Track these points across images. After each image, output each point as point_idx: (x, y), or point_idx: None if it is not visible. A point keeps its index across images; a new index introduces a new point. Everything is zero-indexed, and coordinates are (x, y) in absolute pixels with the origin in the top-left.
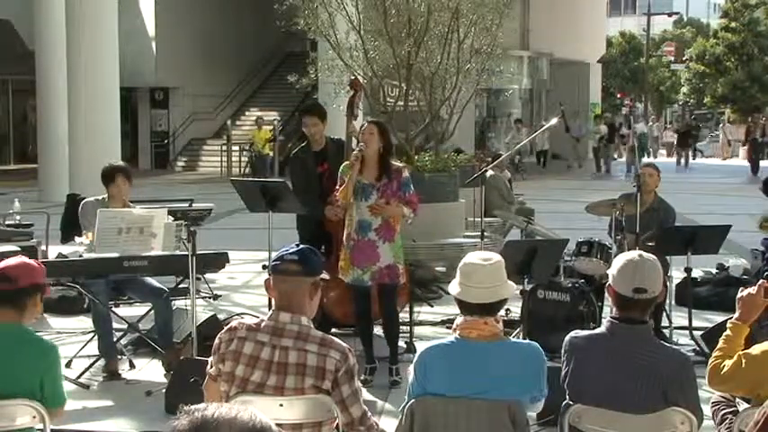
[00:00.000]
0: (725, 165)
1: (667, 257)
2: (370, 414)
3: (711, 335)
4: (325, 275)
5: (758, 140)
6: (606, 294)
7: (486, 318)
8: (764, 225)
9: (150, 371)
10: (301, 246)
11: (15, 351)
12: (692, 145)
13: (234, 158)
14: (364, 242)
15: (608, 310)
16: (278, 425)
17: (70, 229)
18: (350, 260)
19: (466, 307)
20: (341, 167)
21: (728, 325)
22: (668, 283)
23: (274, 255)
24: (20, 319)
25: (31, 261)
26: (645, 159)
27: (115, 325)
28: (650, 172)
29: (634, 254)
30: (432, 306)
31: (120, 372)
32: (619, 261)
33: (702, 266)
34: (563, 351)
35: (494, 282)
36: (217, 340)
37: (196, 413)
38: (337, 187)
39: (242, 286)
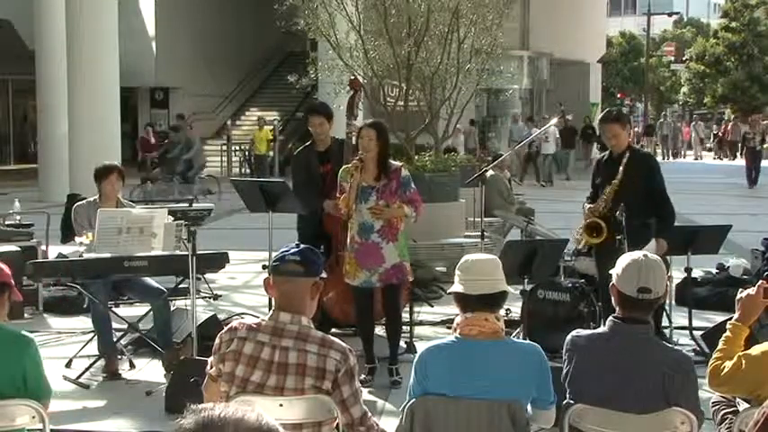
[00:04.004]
0: (715, 165)
1: (667, 257)
2: (370, 414)
3: (711, 335)
4: (324, 275)
5: (756, 149)
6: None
7: (487, 313)
8: None
9: (150, 371)
10: (302, 246)
11: None
12: (573, 145)
13: (234, 158)
14: (368, 244)
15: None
16: None
17: (70, 229)
18: (356, 263)
19: (468, 302)
20: (339, 172)
21: (728, 326)
22: (668, 283)
23: (275, 254)
24: None
25: None
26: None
27: (115, 325)
28: None
29: (639, 254)
30: (432, 306)
31: (120, 372)
32: (623, 261)
33: (702, 266)
34: (564, 350)
35: (493, 275)
36: (217, 340)
37: (203, 412)
38: (338, 194)
39: (242, 286)
